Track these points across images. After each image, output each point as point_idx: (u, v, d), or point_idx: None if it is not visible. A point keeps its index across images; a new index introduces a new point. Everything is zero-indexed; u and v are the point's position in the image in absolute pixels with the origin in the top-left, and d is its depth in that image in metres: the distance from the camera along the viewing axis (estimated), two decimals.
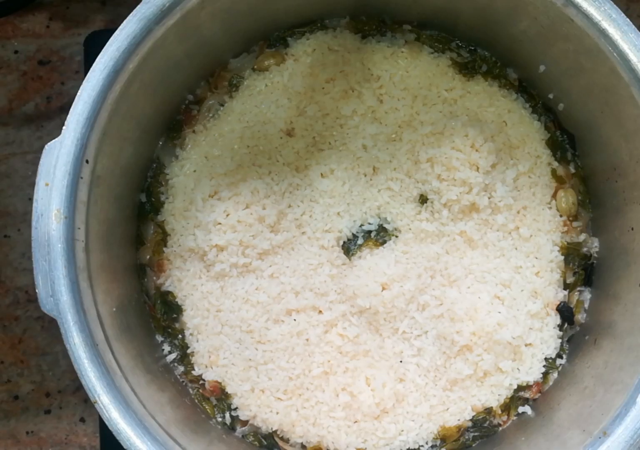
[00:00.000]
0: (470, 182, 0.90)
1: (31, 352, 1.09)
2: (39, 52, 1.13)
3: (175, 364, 0.95)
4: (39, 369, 1.09)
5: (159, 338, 0.95)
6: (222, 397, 0.93)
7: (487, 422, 0.93)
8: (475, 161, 0.90)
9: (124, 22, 0.77)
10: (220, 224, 0.90)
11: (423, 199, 0.94)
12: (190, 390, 0.94)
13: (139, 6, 0.78)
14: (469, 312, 0.89)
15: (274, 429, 0.92)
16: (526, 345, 0.92)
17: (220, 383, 0.93)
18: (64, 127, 0.74)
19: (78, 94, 0.75)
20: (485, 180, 0.91)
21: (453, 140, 0.91)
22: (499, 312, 0.90)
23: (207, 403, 0.93)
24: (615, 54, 0.78)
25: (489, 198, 0.92)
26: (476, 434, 0.94)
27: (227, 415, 0.93)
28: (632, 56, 0.77)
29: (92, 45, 1.05)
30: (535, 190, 0.95)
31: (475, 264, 0.93)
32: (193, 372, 0.93)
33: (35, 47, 1.13)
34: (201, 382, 0.94)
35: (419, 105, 0.95)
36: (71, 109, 0.75)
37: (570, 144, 0.97)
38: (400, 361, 0.91)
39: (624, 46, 0.77)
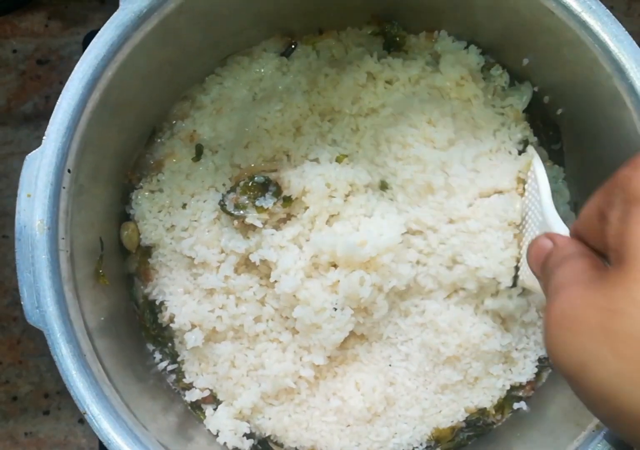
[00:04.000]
0: (425, 158, 0.86)
1: (29, 352, 1.09)
2: (37, 52, 1.13)
3: (167, 372, 0.94)
4: (37, 370, 1.09)
5: (150, 347, 0.94)
6: (214, 403, 0.92)
7: (481, 422, 0.93)
8: (430, 136, 0.87)
9: (102, 29, 0.77)
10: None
11: (384, 186, 0.90)
12: (183, 397, 0.93)
13: (115, 13, 0.77)
14: (453, 325, 0.87)
15: (267, 435, 0.91)
16: (518, 349, 0.91)
17: (212, 390, 0.92)
18: (44, 137, 0.74)
19: (57, 103, 0.75)
20: (441, 157, 0.86)
21: (410, 116, 0.88)
22: (485, 323, 0.88)
23: (200, 410, 0.93)
24: (596, 46, 0.77)
25: (445, 178, 0.86)
26: (470, 433, 0.93)
27: None
28: (613, 47, 0.76)
29: None
30: (494, 173, 0.88)
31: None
32: (184, 379, 0.93)
33: (33, 47, 1.13)
34: (193, 389, 0.93)
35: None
36: (51, 119, 0.74)
37: (554, 136, 0.96)
38: (390, 365, 0.90)
39: (605, 37, 0.77)
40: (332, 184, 0.87)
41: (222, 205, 0.88)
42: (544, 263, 0.58)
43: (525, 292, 0.87)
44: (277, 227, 0.88)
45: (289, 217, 0.89)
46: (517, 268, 0.83)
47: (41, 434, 1.08)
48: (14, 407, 1.08)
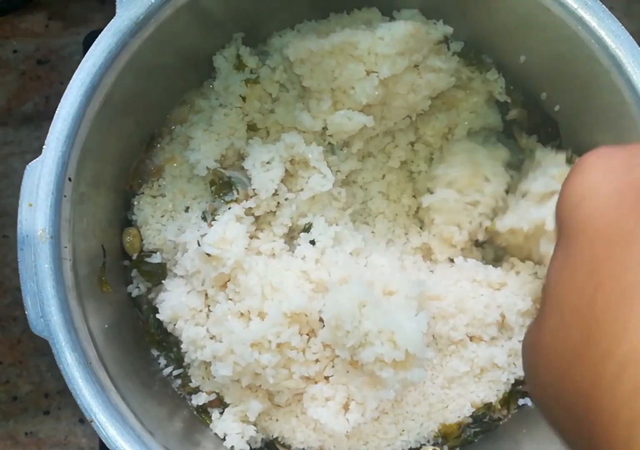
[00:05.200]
0: None
1: (30, 352, 1.08)
2: (37, 52, 1.14)
3: (172, 377, 0.94)
4: (37, 369, 1.08)
5: (155, 352, 0.94)
6: (221, 407, 0.92)
7: (488, 417, 0.93)
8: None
9: (99, 37, 0.77)
10: None
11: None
12: (189, 402, 0.93)
13: (112, 20, 0.78)
14: (458, 306, 0.88)
15: (274, 436, 0.91)
16: (520, 341, 0.91)
17: (218, 394, 0.92)
18: (44, 146, 0.74)
19: (57, 111, 0.75)
20: None
21: None
22: (482, 295, 0.88)
23: (206, 414, 0.93)
24: (593, 41, 0.78)
25: None
26: (477, 429, 0.93)
27: None
28: (610, 42, 0.77)
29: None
30: None
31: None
32: (190, 384, 0.93)
33: (34, 47, 1.14)
34: (199, 393, 0.92)
35: None
36: (50, 128, 0.75)
37: (553, 132, 0.96)
38: None
39: (602, 33, 0.77)
40: None
41: (204, 218, 0.90)
42: None
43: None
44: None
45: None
46: None
47: (41, 434, 1.07)
48: (14, 407, 1.08)
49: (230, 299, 0.86)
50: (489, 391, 0.92)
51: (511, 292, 0.89)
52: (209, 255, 0.83)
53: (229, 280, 0.87)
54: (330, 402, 0.85)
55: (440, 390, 0.91)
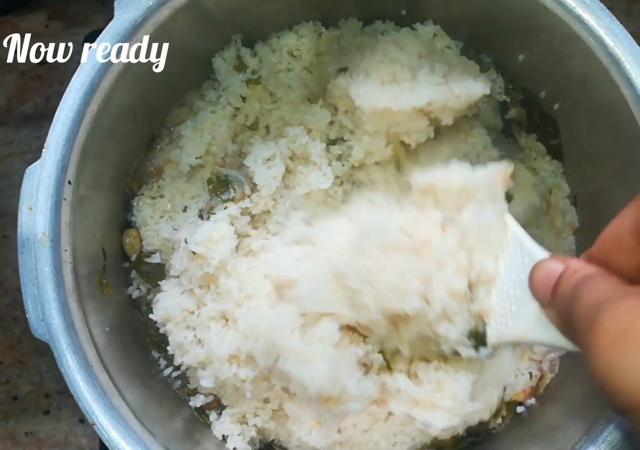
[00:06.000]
0: None
1: (30, 352, 1.09)
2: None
3: (172, 378, 0.94)
4: (37, 369, 1.09)
5: (155, 354, 0.94)
6: (219, 408, 0.92)
7: (482, 429, 0.91)
8: None
9: (98, 39, 0.77)
10: None
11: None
12: (189, 403, 0.93)
13: (111, 23, 0.78)
14: (362, 277, 0.76)
15: (271, 439, 0.91)
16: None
17: (215, 395, 0.92)
18: (43, 150, 0.74)
19: (56, 114, 0.75)
20: None
21: None
22: None
23: (205, 415, 0.93)
24: (591, 39, 0.78)
25: None
26: (472, 440, 0.92)
27: None
28: (609, 40, 0.77)
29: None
30: None
31: None
32: (189, 385, 0.93)
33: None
34: (197, 395, 0.93)
35: None
36: (50, 131, 0.75)
37: (552, 131, 0.96)
38: None
39: (600, 31, 0.77)
40: None
41: (200, 216, 0.90)
42: (556, 287, 0.52)
43: None
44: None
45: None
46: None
47: (41, 434, 1.08)
48: (15, 407, 1.08)
49: (215, 300, 0.86)
50: (475, 414, 0.86)
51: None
52: (194, 253, 0.83)
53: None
54: (303, 419, 0.85)
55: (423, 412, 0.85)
